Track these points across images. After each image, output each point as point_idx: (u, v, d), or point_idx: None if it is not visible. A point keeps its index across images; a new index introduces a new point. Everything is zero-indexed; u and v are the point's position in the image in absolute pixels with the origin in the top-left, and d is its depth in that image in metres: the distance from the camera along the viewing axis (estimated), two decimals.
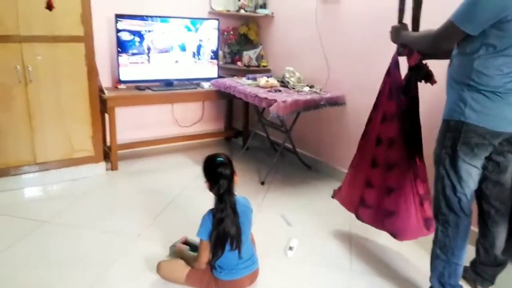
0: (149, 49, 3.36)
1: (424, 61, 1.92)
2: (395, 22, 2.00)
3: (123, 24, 3.17)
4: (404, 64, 1.95)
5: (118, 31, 3.16)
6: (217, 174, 1.71)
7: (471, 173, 1.67)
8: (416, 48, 1.84)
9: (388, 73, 2.01)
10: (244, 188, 3.00)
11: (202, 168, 1.81)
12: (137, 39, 3.27)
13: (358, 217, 2.21)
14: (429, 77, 1.94)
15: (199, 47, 3.61)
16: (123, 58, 3.23)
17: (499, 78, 1.52)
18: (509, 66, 1.51)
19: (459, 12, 1.52)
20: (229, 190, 1.73)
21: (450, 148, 1.66)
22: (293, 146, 3.51)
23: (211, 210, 1.77)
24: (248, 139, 3.77)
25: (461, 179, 1.67)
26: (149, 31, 3.31)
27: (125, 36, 3.21)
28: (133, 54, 3.27)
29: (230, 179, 1.74)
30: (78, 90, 2.87)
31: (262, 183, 3.12)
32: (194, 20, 3.52)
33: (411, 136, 1.96)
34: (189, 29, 3.51)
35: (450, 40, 1.62)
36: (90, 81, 2.89)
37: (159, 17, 3.34)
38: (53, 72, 2.75)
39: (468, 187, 1.69)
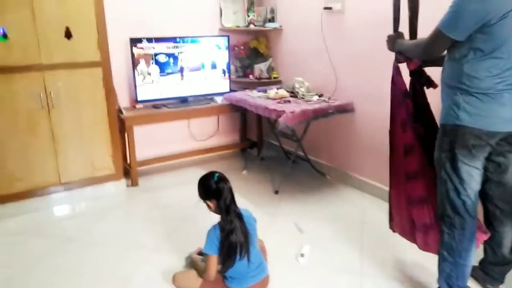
0: (182, 68, 3.58)
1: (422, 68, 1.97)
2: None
3: (138, 49, 3.34)
4: (405, 71, 2.00)
5: (133, 54, 3.32)
6: (219, 189, 1.80)
7: (472, 175, 1.70)
8: (411, 56, 1.90)
9: (393, 81, 2.04)
10: (259, 198, 3.10)
11: (200, 189, 1.89)
12: (169, 60, 3.48)
13: (420, 246, 2.01)
14: (429, 83, 1.99)
15: (212, 63, 3.74)
16: (139, 78, 3.39)
17: (489, 80, 1.57)
18: (497, 67, 1.55)
19: (445, 20, 1.58)
20: (234, 202, 1.82)
21: (449, 152, 1.70)
22: (305, 154, 3.58)
23: (217, 225, 1.86)
24: (262, 150, 3.85)
25: (463, 181, 1.70)
26: (171, 53, 3.49)
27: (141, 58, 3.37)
28: (149, 73, 3.43)
29: (232, 191, 1.82)
30: (97, 112, 3.04)
31: (276, 192, 3.20)
32: (205, 38, 3.66)
33: (428, 141, 1.91)
34: (201, 46, 3.65)
35: (439, 46, 1.67)
36: (109, 102, 3.06)
37: (172, 38, 3.49)
38: (74, 96, 2.92)
39: (471, 188, 1.71)
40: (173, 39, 3.51)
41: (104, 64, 2.99)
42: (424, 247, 2.01)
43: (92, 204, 3.05)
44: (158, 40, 3.44)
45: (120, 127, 3.25)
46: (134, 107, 3.50)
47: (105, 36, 2.96)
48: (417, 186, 1.94)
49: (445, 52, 1.71)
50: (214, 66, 3.77)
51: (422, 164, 1.91)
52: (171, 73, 3.56)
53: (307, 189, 3.28)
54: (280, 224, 2.72)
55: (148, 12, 3.53)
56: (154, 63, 3.45)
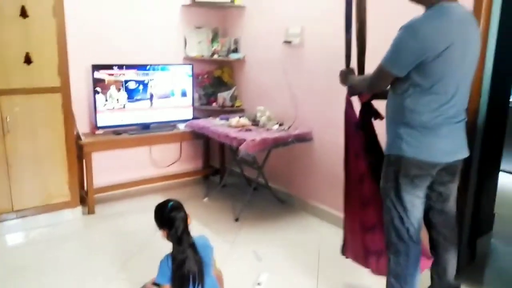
0: (151, 95, 3.62)
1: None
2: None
3: (100, 73, 3.34)
4: (357, 103, 2.12)
5: (94, 80, 3.32)
6: (171, 218, 1.79)
7: (414, 204, 1.78)
8: (359, 90, 2.02)
9: (346, 113, 2.14)
10: (219, 226, 3.10)
11: (155, 217, 1.88)
12: (138, 86, 3.50)
13: (373, 271, 2.11)
14: (377, 115, 2.11)
15: (183, 91, 3.80)
16: (100, 103, 3.38)
17: (428, 114, 1.67)
18: (436, 102, 1.66)
19: (387, 57, 1.69)
20: (186, 231, 1.82)
21: (393, 181, 1.78)
22: (265, 182, 3.64)
23: (169, 255, 1.84)
24: (224, 177, 3.88)
25: (406, 209, 1.78)
26: (130, 80, 3.50)
27: (102, 85, 3.37)
28: (110, 98, 3.43)
29: (185, 220, 1.83)
30: (55, 138, 2.98)
31: (236, 220, 3.21)
32: (169, 66, 3.72)
33: (378, 170, 1.99)
34: (165, 74, 3.69)
35: (382, 81, 1.78)
36: (67, 129, 3.02)
37: (135, 65, 3.52)
38: (31, 122, 2.87)
39: (414, 216, 1.79)
40: (143, 67, 3.56)
41: (64, 89, 2.97)
42: (377, 271, 2.09)
43: (47, 232, 2.95)
44: (129, 67, 3.47)
45: (79, 154, 3.20)
46: (94, 133, 3.46)
47: (66, 62, 2.96)
48: (370, 213, 2.03)
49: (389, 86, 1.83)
50: (184, 94, 3.83)
51: (374, 192, 2.00)
52: (140, 99, 3.58)
53: (267, 217, 3.31)
54: (239, 252, 2.73)
55: (114, 38, 3.56)
56: (124, 90, 3.47)
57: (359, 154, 2.06)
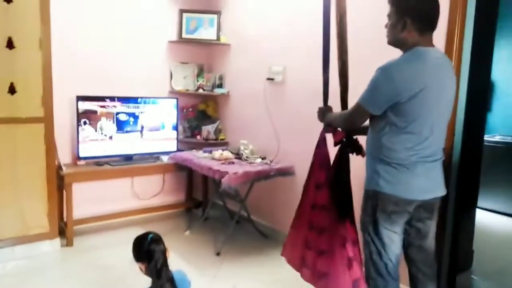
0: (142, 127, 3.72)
1: (355, 137, 2.14)
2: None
3: (85, 104, 3.37)
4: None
5: (78, 110, 3.33)
6: (151, 251, 1.76)
7: (392, 239, 1.81)
8: (337, 126, 2.08)
9: (318, 146, 2.21)
10: (199, 260, 3.06)
11: (133, 250, 1.85)
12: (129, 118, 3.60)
13: (302, 276, 2.26)
14: (359, 150, 2.16)
15: (164, 123, 3.84)
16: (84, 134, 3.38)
17: (404, 152, 1.72)
18: (411, 141, 1.71)
19: (364, 95, 1.76)
20: (166, 265, 1.80)
21: (371, 216, 1.82)
22: (248, 215, 3.63)
23: None
24: (207, 209, 3.86)
25: (384, 244, 1.80)
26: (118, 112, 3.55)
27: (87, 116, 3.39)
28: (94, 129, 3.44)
29: (165, 253, 1.81)
30: (35, 168, 2.96)
31: (218, 254, 3.18)
32: (155, 99, 3.77)
33: (340, 202, 2.09)
34: (155, 107, 3.76)
35: (359, 118, 1.85)
36: (48, 159, 3.00)
37: (121, 97, 3.57)
38: (12, 151, 2.85)
39: (392, 252, 1.81)
40: (134, 99, 3.64)
41: (47, 120, 2.97)
42: (304, 276, 2.21)
43: (23, 264, 2.87)
44: (120, 99, 3.56)
45: (59, 184, 3.16)
46: (76, 163, 3.44)
47: (51, 93, 2.98)
48: (321, 238, 2.10)
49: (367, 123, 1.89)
50: (175, 128, 3.92)
51: (330, 222, 2.07)
52: (130, 131, 3.64)
53: (249, 251, 3.29)
54: (220, 287, 2.69)
55: (100, 70, 3.61)
56: (114, 121, 3.53)
57: (322, 187, 2.12)
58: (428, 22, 1.74)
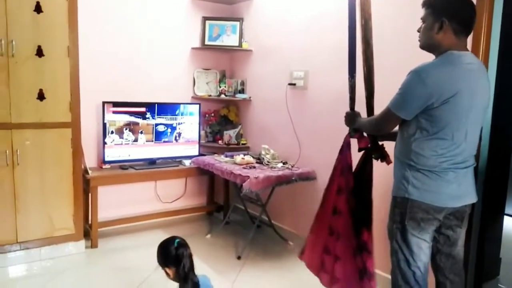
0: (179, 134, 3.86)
1: (380, 143, 2.12)
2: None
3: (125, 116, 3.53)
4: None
5: (104, 115, 3.42)
6: (179, 256, 1.77)
7: (421, 247, 1.76)
8: (365, 131, 2.06)
9: (341, 151, 2.20)
10: (220, 264, 3.08)
11: (160, 255, 1.86)
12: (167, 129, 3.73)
13: (321, 281, 2.26)
14: (384, 157, 2.12)
15: (182, 129, 3.89)
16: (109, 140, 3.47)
17: (434, 158, 1.69)
18: (442, 147, 1.68)
19: (394, 100, 1.73)
20: (193, 269, 1.80)
21: (400, 223, 1.78)
22: (269, 219, 3.63)
23: None
24: (228, 213, 3.89)
25: (413, 252, 1.76)
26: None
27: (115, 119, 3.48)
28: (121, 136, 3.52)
29: (192, 258, 1.82)
30: (62, 172, 3.05)
31: (239, 258, 3.19)
32: (178, 105, 3.84)
33: (357, 210, 2.08)
34: (175, 113, 3.83)
35: (389, 124, 1.81)
36: (75, 163, 3.08)
37: (146, 103, 3.64)
38: (40, 155, 2.95)
39: (421, 260, 1.77)
40: (172, 110, 3.78)
41: (74, 125, 3.06)
42: (323, 280, 2.23)
43: (49, 265, 2.96)
44: (159, 111, 3.70)
45: (85, 187, 3.25)
46: (101, 167, 3.53)
47: (78, 99, 3.06)
48: (337, 244, 2.11)
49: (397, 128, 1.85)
50: (180, 134, 3.95)
51: (346, 229, 2.08)
52: (168, 141, 3.79)
53: (269, 255, 3.29)
54: None
55: (126, 77, 3.70)
56: (153, 132, 3.70)
57: (343, 192, 2.11)
58: (464, 24, 1.70)
